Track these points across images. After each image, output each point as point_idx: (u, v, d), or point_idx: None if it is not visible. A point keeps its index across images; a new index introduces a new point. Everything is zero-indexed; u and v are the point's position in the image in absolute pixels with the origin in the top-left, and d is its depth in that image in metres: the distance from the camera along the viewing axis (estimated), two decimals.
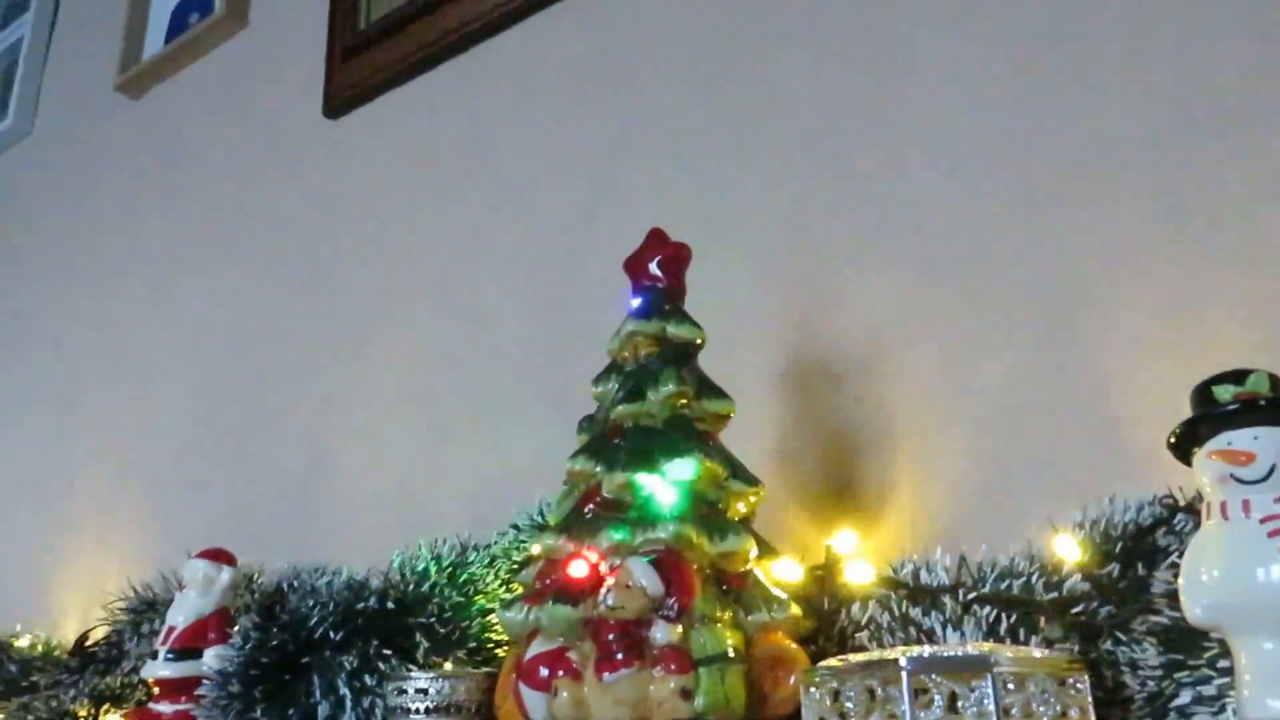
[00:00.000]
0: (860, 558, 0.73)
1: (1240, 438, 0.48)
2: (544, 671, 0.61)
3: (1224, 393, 0.50)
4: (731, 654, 0.59)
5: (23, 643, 1.26)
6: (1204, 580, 0.48)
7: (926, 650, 0.55)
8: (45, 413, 1.84)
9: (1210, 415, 0.50)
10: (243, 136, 1.64)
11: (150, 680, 0.87)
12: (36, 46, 2.18)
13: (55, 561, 1.64)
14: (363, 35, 1.44)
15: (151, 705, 0.86)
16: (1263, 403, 0.49)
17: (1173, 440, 0.52)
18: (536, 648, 0.63)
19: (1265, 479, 0.47)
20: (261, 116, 1.62)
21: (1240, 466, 0.48)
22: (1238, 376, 0.50)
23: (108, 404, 1.70)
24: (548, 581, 0.65)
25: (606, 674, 0.58)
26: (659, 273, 0.74)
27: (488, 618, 0.80)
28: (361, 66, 1.44)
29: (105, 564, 1.50)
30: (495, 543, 0.88)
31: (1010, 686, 0.50)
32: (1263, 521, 0.47)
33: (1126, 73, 0.82)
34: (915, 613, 0.65)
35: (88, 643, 1.05)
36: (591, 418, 0.73)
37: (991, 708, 0.49)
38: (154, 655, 0.87)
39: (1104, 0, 0.85)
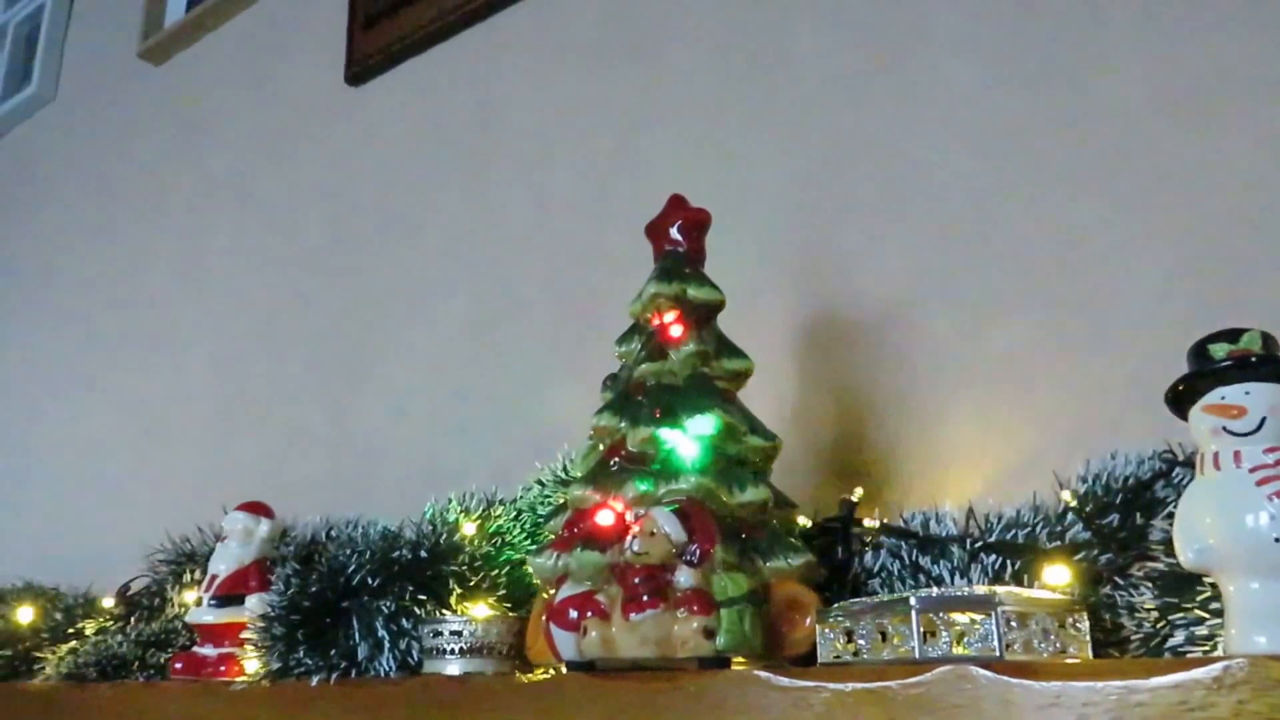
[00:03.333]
0: (872, 510, 0.76)
1: (1233, 393, 0.51)
2: (573, 613, 0.65)
3: (1219, 350, 0.53)
4: (751, 597, 0.63)
5: (60, 597, 1.31)
6: (1197, 527, 0.51)
7: (935, 591, 0.58)
8: (74, 377, 1.88)
9: (1205, 371, 0.52)
10: (265, 103, 1.67)
11: (195, 625, 0.91)
12: (58, 13, 2.21)
13: (89, 520, 1.69)
14: (384, 2, 1.46)
15: (196, 649, 0.91)
16: (1254, 359, 0.51)
17: (1170, 396, 0.54)
18: (566, 591, 0.66)
19: (1255, 431, 0.50)
20: (284, 84, 1.64)
21: (1232, 420, 0.51)
22: (1232, 335, 0.53)
23: (135, 367, 1.75)
24: (575, 530, 0.69)
25: (633, 614, 0.62)
26: (680, 237, 0.77)
27: (515, 567, 0.84)
28: (383, 34, 1.46)
29: (138, 522, 1.54)
30: (520, 497, 0.92)
31: (1013, 624, 0.54)
32: (1252, 471, 0.49)
33: (1131, 45, 0.84)
34: (924, 561, 0.68)
35: (130, 592, 1.10)
36: (615, 376, 0.77)
37: (995, 643, 0.53)
38: (198, 602, 0.92)
39: None
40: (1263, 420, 0.50)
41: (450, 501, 0.90)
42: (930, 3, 0.97)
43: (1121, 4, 0.86)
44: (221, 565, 0.91)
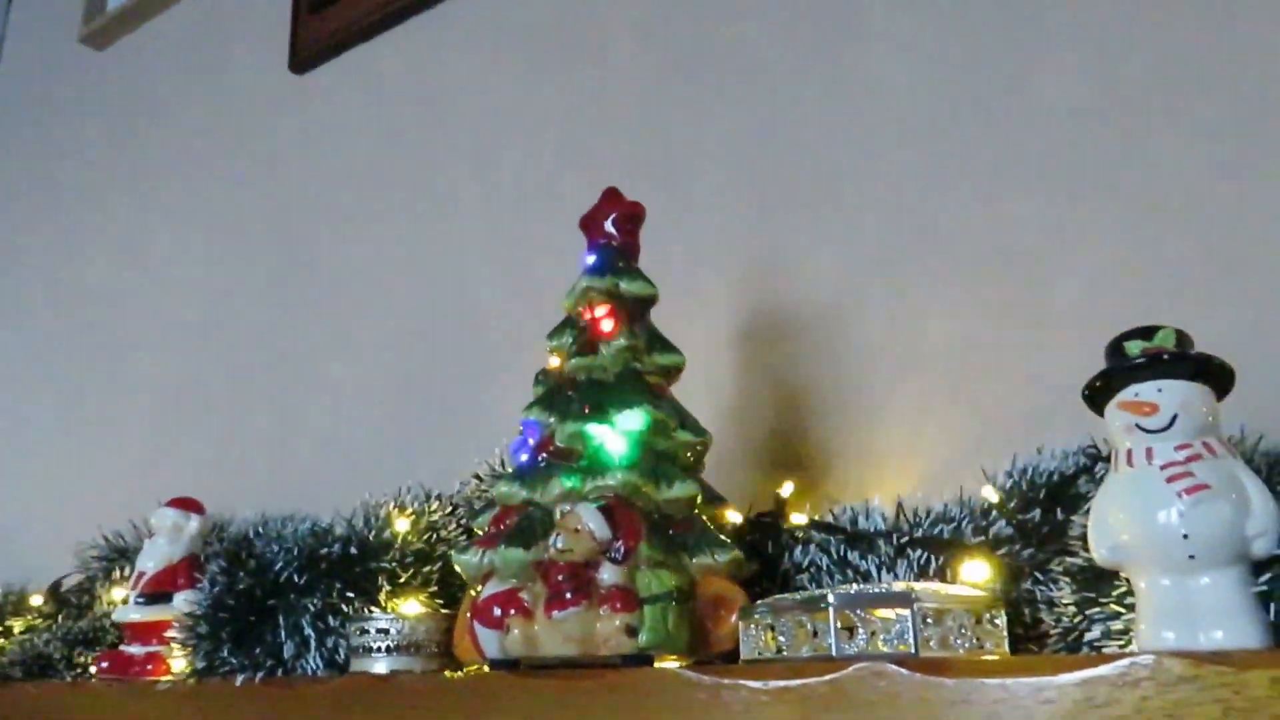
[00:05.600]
0: (803, 506, 0.76)
1: (1146, 389, 0.51)
2: (497, 610, 0.64)
3: (1133, 347, 0.53)
4: (675, 594, 0.62)
5: None
6: (1109, 523, 0.51)
7: (854, 588, 0.58)
8: (8, 368, 1.84)
9: (1119, 369, 0.53)
10: (209, 91, 1.64)
11: (122, 623, 0.90)
12: None
13: (23, 515, 1.65)
14: None
15: (123, 647, 0.89)
16: (1167, 357, 0.52)
17: (1087, 392, 0.55)
18: (490, 589, 0.66)
19: (1167, 428, 0.50)
20: (228, 70, 1.61)
21: (1144, 416, 0.51)
22: (1146, 332, 0.53)
23: (72, 359, 1.71)
24: (502, 526, 0.68)
25: (556, 612, 0.61)
26: (613, 230, 0.76)
27: (449, 563, 0.83)
28: (328, 21, 1.44)
29: (74, 517, 1.51)
30: (457, 491, 0.91)
31: (929, 621, 0.54)
32: (1163, 468, 0.50)
33: (1068, 48, 0.85)
34: (853, 556, 0.68)
35: (61, 589, 1.08)
36: (546, 371, 0.76)
37: (911, 640, 0.53)
38: (125, 600, 0.90)
39: None
40: (1174, 417, 0.50)
41: (384, 497, 0.88)
42: (872, 5, 0.97)
43: (1056, 13, 0.86)
44: (149, 562, 0.89)
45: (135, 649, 0.87)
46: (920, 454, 0.83)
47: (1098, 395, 0.54)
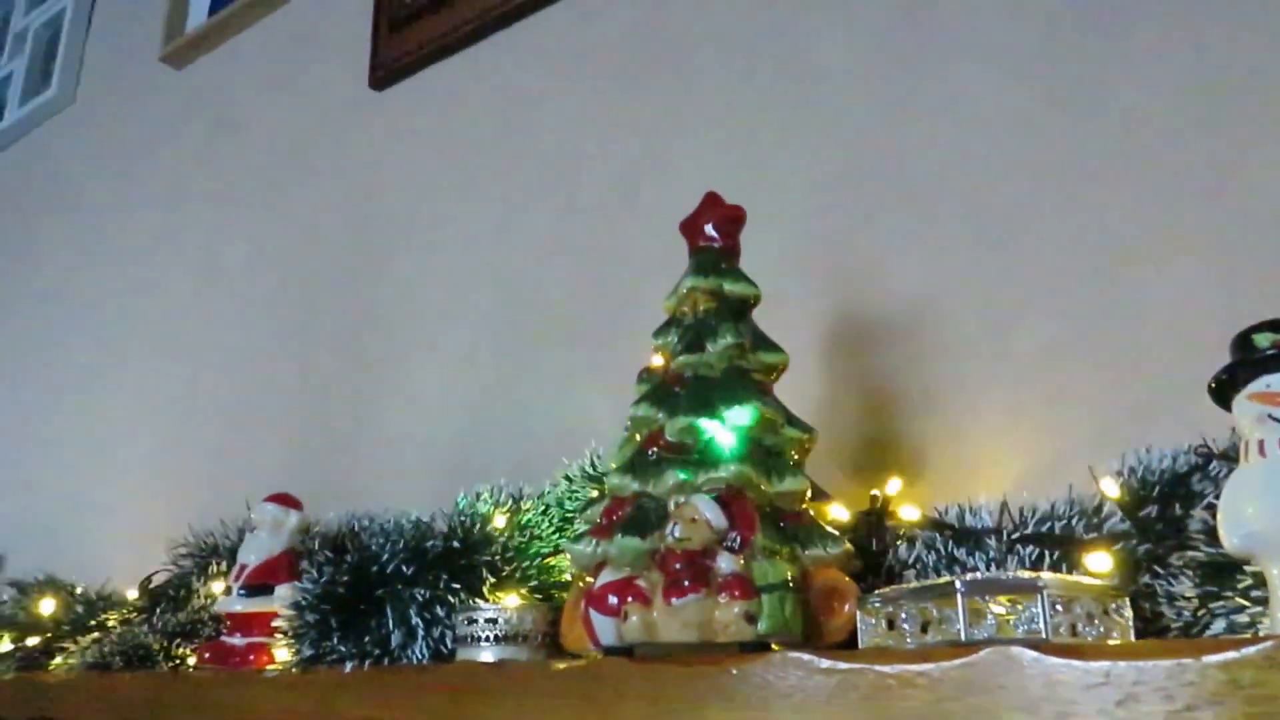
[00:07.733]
0: (901, 506, 0.77)
1: (1277, 380, 0.52)
2: (613, 599, 0.65)
3: (1263, 339, 0.53)
4: (791, 583, 0.63)
5: (79, 591, 1.31)
6: (1241, 513, 0.52)
7: (979, 575, 0.59)
8: (93, 374, 1.89)
9: (1250, 360, 0.53)
10: (288, 108, 1.68)
11: (223, 614, 0.92)
12: (79, 17, 2.22)
13: (105, 517, 1.69)
14: (409, 7, 1.48)
15: (224, 638, 0.91)
16: None
17: (1213, 385, 0.55)
18: (606, 577, 0.67)
19: None
20: (307, 88, 1.65)
21: (1277, 407, 0.51)
22: (1276, 325, 0.54)
23: (156, 367, 1.75)
24: (615, 517, 0.69)
25: (675, 599, 0.62)
26: (714, 234, 0.78)
27: (545, 560, 0.85)
28: (408, 39, 1.48)
29: (155, 519, 1.55)
30: (548, 492, 0.92)
31: (1058, 608, 0.54)
32: None
33: (1159, 43, 0.85)
34: (960, 553, 0.69)
35: (151, 585, 1.10)
36: (650, 369, 0.77)
37: (1041, 626, 0.53)
38: (226, 592, 0.92)
39: None
40: None
41: (480, 495, 0.90)
42: (957, 10, 0.98)
43: (1148, 9, 0.87)
44: (251, 555, 0.92)
45: (237, 640, 0.89)
46: (1015, 456, 0.84)
47: (1225, 388, 0.55)
